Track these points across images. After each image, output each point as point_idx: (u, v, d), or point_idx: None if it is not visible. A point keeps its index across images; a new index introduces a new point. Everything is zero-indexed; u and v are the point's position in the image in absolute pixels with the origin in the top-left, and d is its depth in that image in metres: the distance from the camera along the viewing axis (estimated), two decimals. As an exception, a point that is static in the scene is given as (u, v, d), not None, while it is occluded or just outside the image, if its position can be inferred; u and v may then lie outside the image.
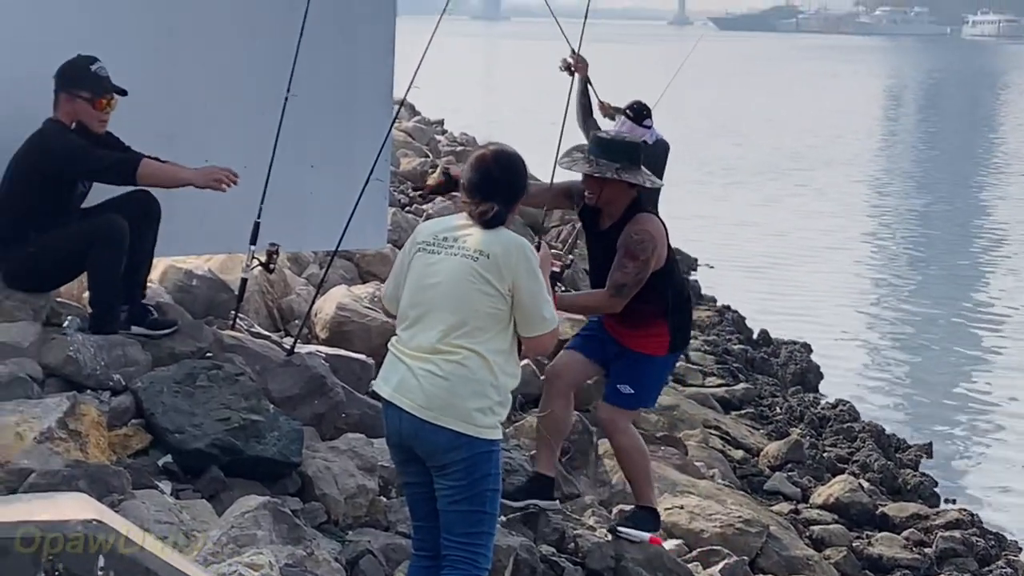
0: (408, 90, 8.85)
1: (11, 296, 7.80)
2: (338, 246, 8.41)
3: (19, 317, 7.68)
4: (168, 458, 6.75)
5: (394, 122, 8.38)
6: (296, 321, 9.27)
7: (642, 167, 7.58)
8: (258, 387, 7.28)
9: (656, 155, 11.25)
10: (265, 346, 8.13)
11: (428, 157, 19.50)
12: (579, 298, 8.25)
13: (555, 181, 7.95)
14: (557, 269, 7.16)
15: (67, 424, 6.53)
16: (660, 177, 11.18)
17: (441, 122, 28.71)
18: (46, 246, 7.65)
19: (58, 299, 8.06)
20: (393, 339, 5.85)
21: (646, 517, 7.75)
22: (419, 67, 8.06)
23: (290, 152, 8.28)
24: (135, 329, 7.73)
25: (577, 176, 7.64)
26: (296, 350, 8.07)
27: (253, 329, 8.60)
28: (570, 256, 7.89)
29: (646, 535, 7.67)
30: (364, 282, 10.57)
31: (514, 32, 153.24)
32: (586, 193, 7.61)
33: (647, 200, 7.80)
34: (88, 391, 7.06)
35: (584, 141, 8.90)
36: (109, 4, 8.18)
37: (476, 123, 28.11)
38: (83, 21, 8.08)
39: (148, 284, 8.15)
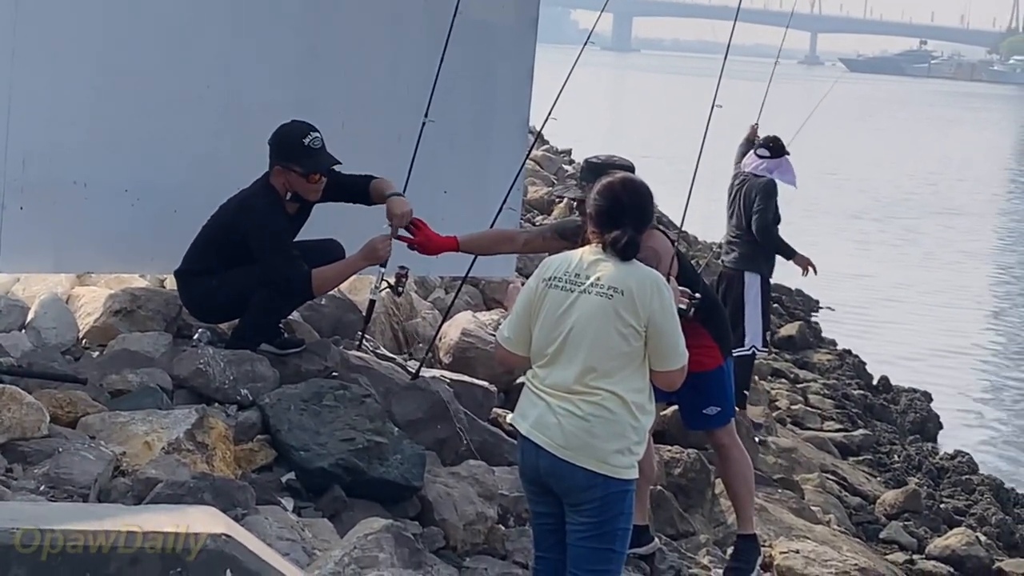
0: (545, 122, 8.86)
1: (144, 306, 7.93)
2: (467, 273, 8.45)
3: (151, 328, 7.81)
4: (292, 475, 6.78)
5: (529, 152, 8.37)
6: (421, 345, 9.29)
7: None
8: (383, 409, 7.29)
9: (767, 192, 11.28)
10: (390, 368, 8.15)
11: (556, 186, 19.50)
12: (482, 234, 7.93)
13: (543, 223, 7.82)
14: (684, 306, 7.01)
15: (195, 436, 6.62)
16: (768, 214, 11.20)
17: (569, 152, 28.75)
18: (228, 280, 7.75)
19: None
20: (529, 374, 5.78)
21: (751, 547, 7.70)
22: (557, 100, 8.09)
23: (425, 177, 8.30)
24: (264, 347, 7.80)
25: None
26: (420, 374, 8.10)
27: (379, 351, 8.63)
28: (697, 294, 7.75)
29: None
30: (489, 309, 10.58)
31: (643, 64, 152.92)
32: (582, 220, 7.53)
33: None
34: (216, 404, 7.16)
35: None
36: (255, 24, 8.25)
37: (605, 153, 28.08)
38: (229, 42, 8.17)
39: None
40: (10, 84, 7.54)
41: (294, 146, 7.70)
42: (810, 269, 11.73)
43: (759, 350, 11.72)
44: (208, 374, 7.30)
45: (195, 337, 7.83)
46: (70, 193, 7.91)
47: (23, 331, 7.60)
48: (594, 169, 7.25)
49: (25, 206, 7.73)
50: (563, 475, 5.57)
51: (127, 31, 7.96)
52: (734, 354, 10.95)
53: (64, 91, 7.80)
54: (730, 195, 11.50)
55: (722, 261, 11.68)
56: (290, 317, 8.35)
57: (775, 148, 11.55)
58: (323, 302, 8.79)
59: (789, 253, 11.55)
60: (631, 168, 7.38)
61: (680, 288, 6.32)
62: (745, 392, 11.57)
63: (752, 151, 11.62)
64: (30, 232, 7.76)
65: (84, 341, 7.79)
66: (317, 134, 7.71)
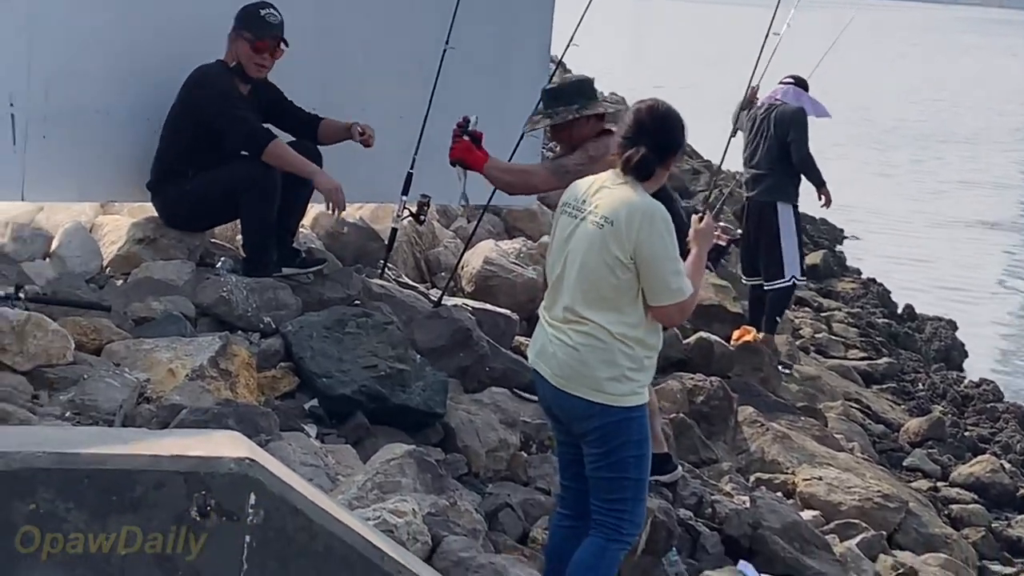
0: (567, 49, 8.83)
1: (167, 234, 7.95)
2: (489, 201, 8.45)
3: (174, 256, 7.83)
4: (315, 402, 6.83)
5: (551, 79, 8.34)
6: (443, 273, 9.32)
7: (598, 94, 7.52)
8: (405, 337, 7.33)
9: (795, 125, 11.25)
10: (412, 296, 8.20)
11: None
12: (512, 165, 7.82)
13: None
14: (724, 243, 6.99)
15: (218, 363, 6.66)
16: (806, 143, 11.16)
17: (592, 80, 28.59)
18: (202, 185, 7.77)
19: (212, 240, 8.20)
20: (541, 303, 5.82)
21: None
22: (578, 26, 8.08)
23: (445, 103, 8.29)
24: (286, 269, 7.84)
25: None
26: (443, 302, 8.14)
27: (401, 279, 8.67)
28: (738, 230, 7.78)
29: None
30: (511, 237, 10.57)
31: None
32: (556, 147, 7.58)
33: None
34: (239, 332, 7.19)
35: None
36: None
37: (624, 85, 27.98)
38: None
39: (300, 230, 8.26)
40: (30, 14, 7.55)
41: (250, 15, 7.79)
42: (826, 199, 11.68)
43: (799, 280, 11.64)
44: (231, 302, 7.33)
45: (218, 265, 7.86)
46: (92, 122, 7.92)
47: (47, 260, 7.65)
48: (552, 93, 7.38)
49: (48, 135, 7.73)
50: (563, 405, 5.59)
51: None
52: (773, 286, 11.07)
53: (84, 19, 7.80)
54: (752, 126, 11.39)
55: (746, 195, 11.57)
56: (312, 244, 8.38)
57: (800, 81, 11.53)
58: (344, 230, 8.84)
59: (821, 182, 11.51)
60: (585, 80, 7.50)
61: (722, 224, 6.22)
62: (777, 319, 11.59)
63: (777, 86, 11.54)
64: (53, 161, 7.77)
65: (108, 269, 7.81)
66: (275, 12, 7.79)
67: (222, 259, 7.96)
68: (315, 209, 8.56)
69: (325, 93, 8.24)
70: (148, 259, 7.78)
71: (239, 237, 8.11)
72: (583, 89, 7.38)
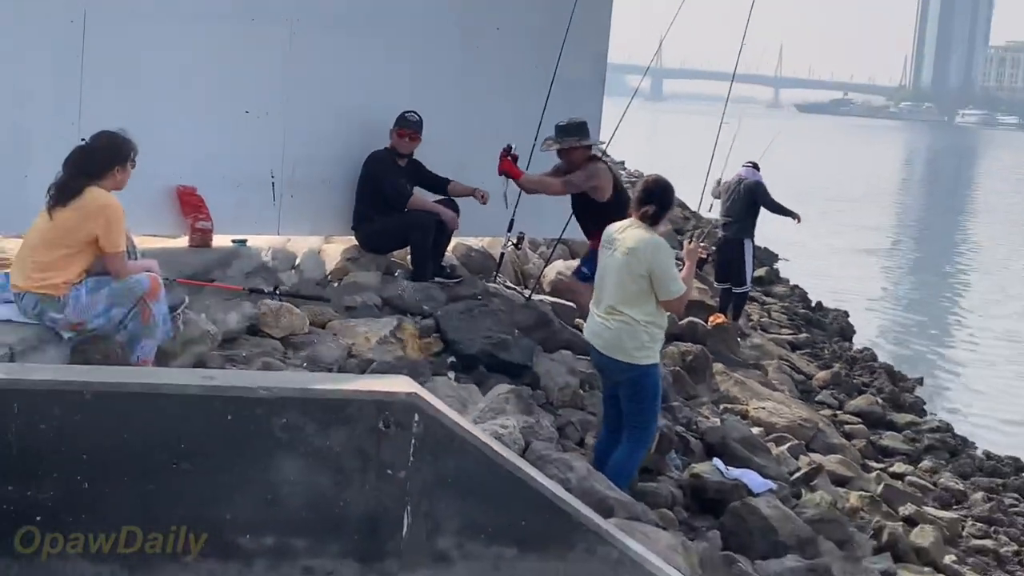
0: (608, 143, 8.76)
1: (364, 256, 7.98)
2: (561, 235, 8.40)
3: (368, 268, 7.84)
4: (453, 358, 6.80)
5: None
6: (531, 280, 9.27)
7: (590, 134, 7.55)
8: (509, 318, 7.29)
9: (758, 191, 11.13)
10: (513, 294, 8.15)
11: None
12: (539, 178, 7.64)
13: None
14: (704, 256, 7.00)
15: (395, 335, 6.65)
16: (770, 197, 11.08)
17: (623, 162, 28.48)
18: (385, 226, 7.79)
19: (392, 258, 8.20)
20: (591, 303, 5.84)
21: None
22: (615, 132, 8.04)
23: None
24: (437, 279, 7.82)
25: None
26: (531, 298, 8.10)
27: (506, 284, 8.63)
28: (712, 246, 7.87)
29: None
30: (573, 258, 10.52)
31: (672, 110, 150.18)
32: (563, 162, 7.55)
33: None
34: (408, 315, 7.17)
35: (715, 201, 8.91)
36: (422, 58, 8.14)
37: (644, 165, 27.79)
38: (405, 70, 8.12)
39: (446, 253, 8.24)
40: (286, 128, 7.61)
41: (400, 117, 7.84)
42: (799, 219, 11.56)
43: (749, 288, 11.73)
44: (404, 297, 7.33)
45: (396, 274, 7.86)
46: (319, 188, 7.97)
47: (293, 270, 7.69)
48: (561, 128, 7.46)
49: (294, 195, 7.82)
50: (607, 364, 5.62)
51: (383, 75, 7.94)
52: (738, 290, 11.03)
53: (317, 126, 7.83)
54: (728, 192, 11.29)
55: (723, 234, 11.51)
56: (453, 262, 8.37)
57: (756, 165, 11.49)
58: (472, 254, 8.82)
59: (789, 212, 11.42)
60: (584, 125, 7.49)
61: (702, 245, 6.22)
62: (743, 310, 11.68)
63: (741, 168, 11.47)
64: (296, 211, 7.85)
65: (329, 277, 7.84)
66: (415, 114, 7.80)
67: (398, 271, 7.96)
68: (455, 240, 8.54)
69: (461, 168, 8.22)
70: (353, 271, 7.79)
71: (408, 257, 8.11)
72: (582, 128, 7.48)
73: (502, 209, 7.90)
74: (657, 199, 5.61)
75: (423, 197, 7.89)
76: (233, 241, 7.54)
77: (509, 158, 7.39)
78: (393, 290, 7.41)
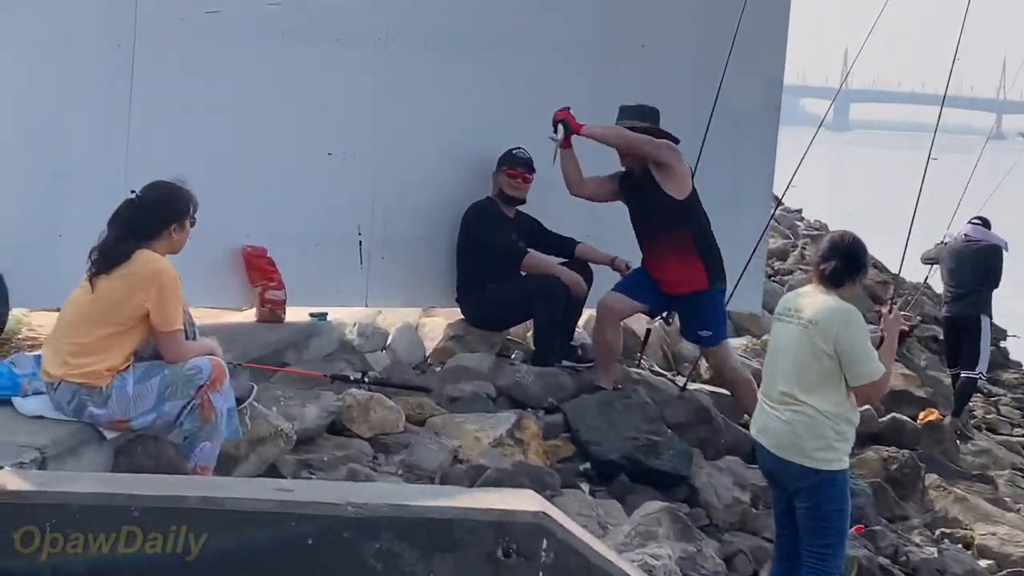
0: (786, 190, 8.71)
1: (472, 332, 8.02)
2: (726, 306, 8.33)
3: (478, 349, 7.88)
4: (587, 465, 6.76)
5: (773, 214, 8.21)
6: (685, 364, 9.21)
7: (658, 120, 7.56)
8: (657, 413, 7.24)
9: (997, 258, 11.16)
10: (662, 381, 8.10)
11: (790, 239, 19.18)
12: (602, 126, 7.63)
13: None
14: (907, 327, 6.91)
15: (514, 433, 6.66)
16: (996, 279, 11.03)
17: (799, 210, 28.16)
18: (499, 295, 7.83)
19: (508, 336, 8.23)
20: (760, 389, 5.79)
21: None
22: (796, 172, 7.97)
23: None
24: (565, 362, 7.82)
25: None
26: (687, 387, 8.03)
27: (652, 368, 8.59)
28: (918, 316, 7.78)
29: None
30: (739, 335, 10.44)
31: (860, 142, 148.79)
32: (623, 159, 7.51)
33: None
34: (529, 408, 7.17)
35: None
36: (545, 85, 8.21)
37: (828, 215, 27.46)
38: (522, 100, 8.18)
39: (576, 329, 8.24)
40: (376, 178, 7.76)
41: (506, 154, 7.90)
42: None
43: (984, 376, 11.69)
44: (523, 385, 7.34)
45: (512, 356, 7.89)
46: (417, 247, 8.08)
47: (384, 351, 7.76)
48: (628, 109, 7.52)
49: (385, 256, 7.93)
50: (781, 469, 5.55)
51: (496, 106, 8.10)
52: (968, 375, 11.00)
53: (412, 176, 7.95)
54: (954, 258, 11.21)
55: (950, 311, 11.33)
56: (584, 341, 8.36)
57: (986, 222, 11.40)
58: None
59: None
60: (655, 112, 7.50)
61: (902, 313, 6.15)
62: (965, 406, 11.50)
63: (966, 225, 11.35)
64: (389, 276, 7.96)
65: (429, 359, 7.90)
66: (524, 150, 7.88)
67: (515, 352, 7.98)
68: (588, 313, 8.53)
69: (596, 224, 8.25)
70: (459, 351, 7.84)
71: (529, 334, 8.13)
72: (654, 115, 7.53)
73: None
74: (843, 256, 5.57)
75: (544, 257, 7.92)
76: (311, 315, 7.67)
77: (569, 109, 7.45)
78: (509, 377, 7.43)
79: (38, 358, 5.43)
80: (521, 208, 8.05)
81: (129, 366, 5.19)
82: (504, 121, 8.14)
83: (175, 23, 7.12)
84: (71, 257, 5.59)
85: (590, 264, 8.01)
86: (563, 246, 8.07)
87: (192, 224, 5.37)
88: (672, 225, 7.39)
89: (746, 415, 7.37)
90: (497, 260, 7.81)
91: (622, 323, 7.72)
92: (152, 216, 5.24)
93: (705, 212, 7.54)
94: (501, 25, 8.09)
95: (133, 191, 5.36)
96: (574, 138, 7.51)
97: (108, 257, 5.17)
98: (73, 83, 6.91)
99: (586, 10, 8.40)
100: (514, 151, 7.92)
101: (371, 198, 7.85)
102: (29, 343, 6.72)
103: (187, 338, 5.35)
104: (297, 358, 7.10)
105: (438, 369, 7.70)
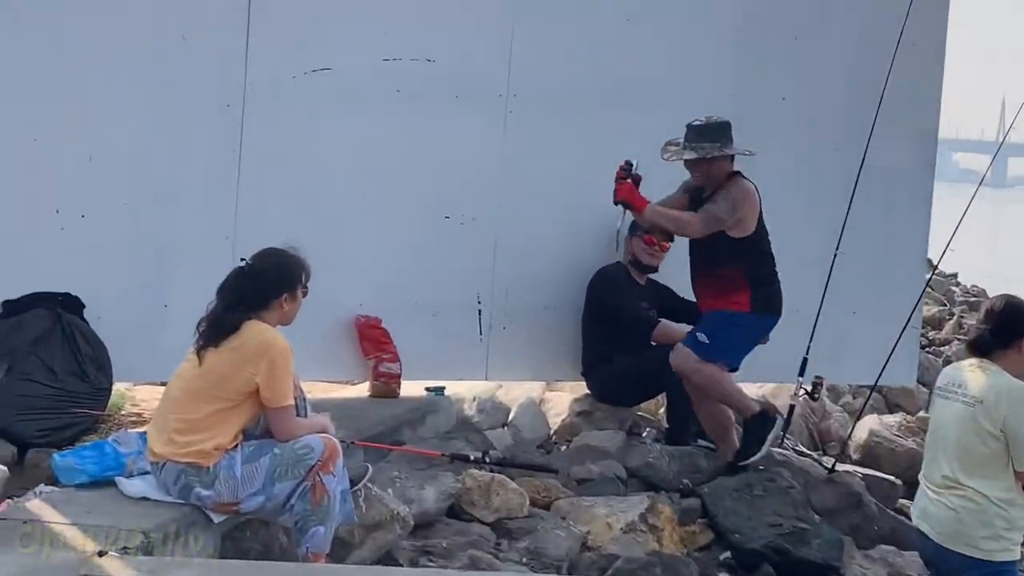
0: (944, 254, 8.59)
1: (600, 408, 8.00)
2: (877, 381, 8.24)
3: (607, 426, 7.86)
4: (728, 554, 6.71)
5: (929, 279, 8.10)
6: (833, 443, 9.10)
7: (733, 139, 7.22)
8: (804, 498, 7.16)
9: None
10: (808, 463, 7.99)
11: (945, 306, 18.84)
12: (668, 211, 7.30)
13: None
14: None
15: (647, 519, 6.63)
16: None
17: (955, 275, 27.65)
18: (629, 368, 7.80)
19: (638, 412, 8.20)
20: (921, 471, 5.70)
21: (763, 422, 7.30)
22: (954, 234, 7.87)
23: (835, 300, 8.16)
24: (701, 441, 7.76)
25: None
26: (835, 468, 7.92)
27: (797, 447, 8.48)
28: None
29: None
30: (891, 412, 10.29)
31: (1019, 198, 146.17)
32: (693, 177, 7.27)
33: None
34: (663, 492, 7.12)
35: None
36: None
37: (987, 280, 26.96)
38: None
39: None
40: (499, 244, 7.78)
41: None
42: None
43: None
44: (656, 466, 7.32)
45: (643, 435, 7.85)
46: (542, 316, 8.09)
47: (505, 428, 7.76)
48: (697, 130, 7.18)
49: (507, 327, 7.95)
50: (943, 558, 5.46)
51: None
52: None
53: (535, 243, 7.98)
54: None
55: None
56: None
57: None
58: (748, 405, 8.71)
59: None
60: (727, 126, 7.20)
61: None
62: None
63: None
64: (511, 348, 7.97)
65: (554, 437, 7.90)
66: None
67: (647, 429, 7.94)
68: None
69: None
70: (586, 429, 7.82)
71: (661, 410, 8.08)
72: (724, 131, 7.21)
73: (789, 344, 7.81)
74: (997, 323, 5.50)
75: (676, 327, 7.89)
76: (428, 389, 7.70)
77: (629, 180, 7.18)
78: (641, 457, 7.41)
79: (143, 436, 5.50)
80: (651, 275, 8.05)
81: (237, 445, 5.24)
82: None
83: (286, 82, 7.24)
84: (177, 329, 5.68)
85: None
86: (694, 314, 8.02)
87: (305, 294, 5.44)
88: (727, 260, 7.21)
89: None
90: (626, 330, 7.81)
91: (764, 395, 7.63)
92: (262, 285, 5.31)
93: (770, 251, 7.35)
94: (631, 82, 8.11)
95: (243, 259, 5.44)
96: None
97: (216, 328, 5.24)
98: (179, 146, 7.05)
99: (721, 64, 8.41)
100: None
101: (491, 264, 7.88)
102: (133, 420, 6.83)
103: (298, 414, 5.39)
104: (413, 436, 7.12)
105: (564, 448, 7.70)
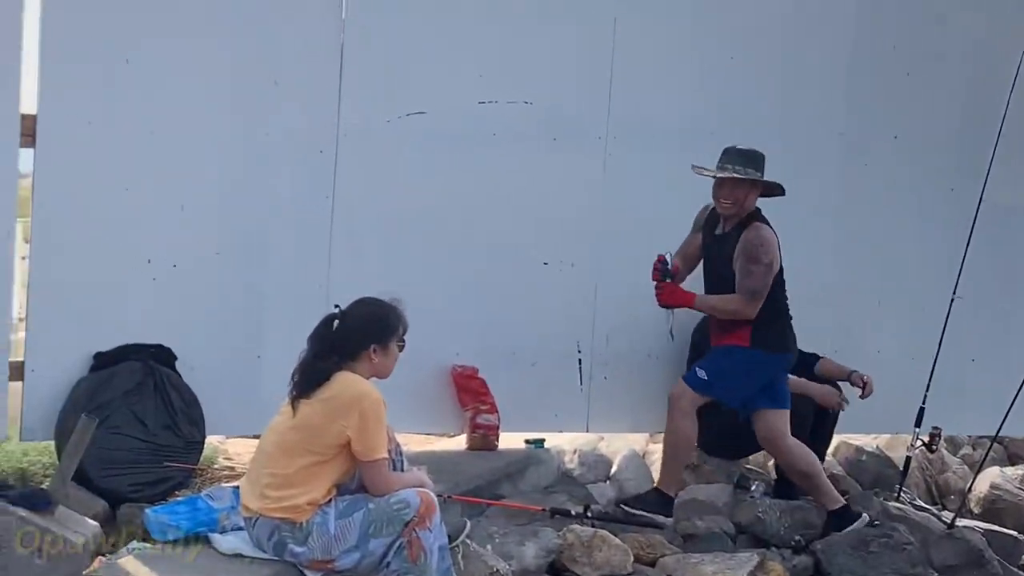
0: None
1: (708, 462, 7.91)
2: (998, 432, 8.04)
3: (714, 480, 7.79)
4: (847, 614, 6.57)
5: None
6: (952, 496, 8.90)
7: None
8: (922, 556, 7.03)
9: None
10: (926, 518, 7.84)
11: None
12: (716, 299, 7.09)
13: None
14: None
15: (757, 577, 6.50)
16: None
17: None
18: (737, 418, 7.66)
19: (747, 466, 8.09)
20: None
21: (659, 501, 7.04)
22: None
23: (953, 347, 8.01)
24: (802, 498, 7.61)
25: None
26: (955, 524, 7.74)
27: (915, 502, 8.33)
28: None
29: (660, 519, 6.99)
30: (1013, 464, 10.04)
31: None
32: (723, 201, 6.98)
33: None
34: (773, 548, 7.01)
35: None
36: (802, 214, 8.14)
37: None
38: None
39: (825, 456, 8.05)
40: (600, 286, 7.71)
41: None
42: None
43: None
44: (765, 521, 7.20)
45: (752, 488, 7.74)
46: (645, 364, 7.99)
47: (608, 482, 7.68)
48: (742, 153, 6.98)
49: (608, 376, 7.87)
50: None
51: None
52: None
53: (637, 278, 7.89)
54: None
55: None
56: (835, 471, 8.17)
57: None
58: (863, 458, 8.56)
59: None
60: (761, 156, 6.99)
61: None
62: None
63: None
64: (612, 398, 7.89)
65: (659, 491, 7.79)
66: None
67: (756, 483, 7.83)
68: (837, 439, 8.31)
69: (846, 337, 8.09)
70: (692, 482, 7.72)
71: (771, 463, 7.94)
72: (763, 162, 7.04)
73: (905, 393, 7.70)
74: None
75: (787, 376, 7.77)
76: (527, 442, 7.64)
77: (667, 280, 7.05)
78: (750, 511, 7.31)
79: (236, 491, 5.50)
80: None
81: (331, 499, 5.21)
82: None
83: (379, 127, 7.24)
84: (271, 381, 5.68)
85: (837, 382, 7.83)
86: (804, 363, 7.92)
87: (401, 347, 5.40)
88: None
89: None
90: None
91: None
92: (352, 333, 5.29)
93: (782, 289, 7.12)
94: (736, 118, 8.01)
95: (337, 306, 5.42)
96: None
97: (307, 377, 5.23)
98: (271, 194, 7.07)
99: (829, 102, 8.29)
100: None
101: (591, 311, 7.82)
102: (226, 474, 6.84)
103: (393, 468, 5.37)
104: (513, 490, 7.08)
105: (669, 502, 7.57)
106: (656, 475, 7.80)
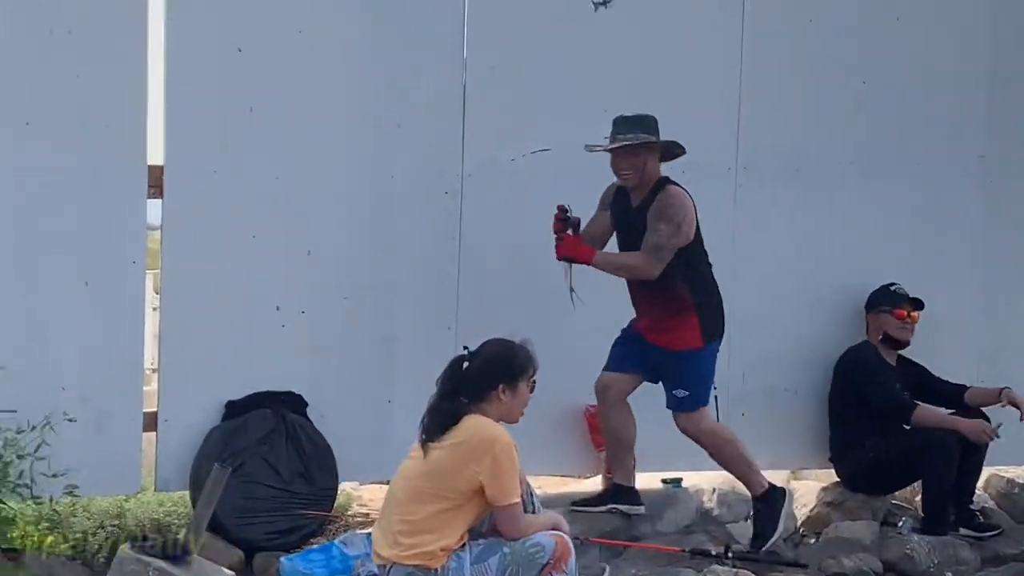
0: None
1: (852, 497, 7.83)
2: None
3: (860, 516, 7.69)
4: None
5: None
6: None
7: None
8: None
9: None
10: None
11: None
12: (617, 256, 6.91)
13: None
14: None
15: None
16: None
17: None
18: (883, 453, 7.67)
19: (893, 501, 7.99)
20: None
21: (773, 502, 7.02)
22: None
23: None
24: (963, 530, 7.56)
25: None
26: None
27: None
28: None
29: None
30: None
31: None
32: (623, 173, 6.80)
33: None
34: (925, 587, 6.92)
35: None
36: (930, 212, 8.15)
37: None
38: (903, 229, 8.15)
39: (975, 490, 7.94)
40: (730, 310, 7.68)
41: (882, 294, 7.86)
42: None
43: None
44: (915, 558, 7.13)
45: (899, 524, 7.65)
46: (783, 399, 7.98)
47: (748, 521, 7.61)
48: (629, 120, 6.80)
49: (746, 413, 7.84)
50: None
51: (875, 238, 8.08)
52: None
53: (772, 312, 7.88)
54: None
55: None
56: (986, 504, 8.04)
57: None
58: (1015, 491, 8.39)
59: None
60: (652, 119, 6.80)
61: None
62: None
63: None
64: (751, 434, 7.79)
65: (802, 529, 7.74)
66: (901, 286, 7.81)
67: (903, 519, 7.73)
68: (988, 471, 8.18)
69: (990, 367, 8.04)
70: (836, 520, 7.67)
71: (918, 498, 7.85)
72: (656, 125, 6.84)
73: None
74: None
75: (935, 410, 7.72)
76: (664, 481, 7.65)
77: (568, 232, 6.84)
78: (898, 549, 7.23)
79: (369, 537, 5.55)
80: (902, 352, 7.90)
81: (465, 544, 5.24)
82: (876, 255, 8.06)
83: (504, 165, 7.32)
84: (402, 425, 5.77)
85: (985, 411, 7.74)
86: (953, 395, 7.84)
87: (531, 389, 5.43)
88: (670, 276, 6.81)
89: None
90: (878, 414, 7.67)
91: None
92: (481, 374, 5.34)
93: (707, 260, 6.98)
94: (869, 149, 7.99)
95: (465, 347, 5.48)
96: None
97: (436, 419, 5.27)
98: (397, 237, 7.19)
99: (969, 127, 8.24)
100: (892, 288, 7.86)
101: (726, 346, 7.75)
102: (360, 520, 6.91)
103: (527, 511, 5.38)
104: (651, 531, 7.08)
105: (813, 541, 7.56)
106: (800, 513, 7.79)
